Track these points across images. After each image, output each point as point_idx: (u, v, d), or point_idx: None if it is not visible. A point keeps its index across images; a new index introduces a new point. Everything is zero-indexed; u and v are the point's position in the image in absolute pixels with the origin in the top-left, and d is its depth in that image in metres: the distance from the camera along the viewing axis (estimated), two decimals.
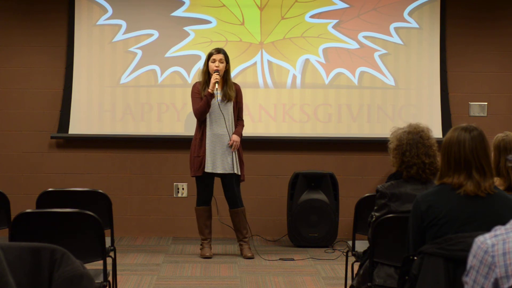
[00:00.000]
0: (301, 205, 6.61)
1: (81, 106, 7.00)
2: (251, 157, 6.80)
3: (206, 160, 5.99)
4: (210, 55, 6.03)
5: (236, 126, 6.10)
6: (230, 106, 6.06)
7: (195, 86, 6.11)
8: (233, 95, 6.05)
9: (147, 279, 5.49)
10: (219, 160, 6.00)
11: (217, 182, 6.17)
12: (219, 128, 6.00)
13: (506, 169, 3.80)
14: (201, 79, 6.08)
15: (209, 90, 5.93)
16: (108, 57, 7.01)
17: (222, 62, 6.00)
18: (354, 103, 7.09)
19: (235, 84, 6.17)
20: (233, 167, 6.01)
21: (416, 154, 3.54)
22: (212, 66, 5.99)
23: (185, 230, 7.09)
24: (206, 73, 6.03)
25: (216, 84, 5.94)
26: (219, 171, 6.01)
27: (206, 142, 5.99)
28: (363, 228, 4.38)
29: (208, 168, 5.99)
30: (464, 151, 2.93)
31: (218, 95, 6.00)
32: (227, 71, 6.05)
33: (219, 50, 6.05)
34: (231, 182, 6.06)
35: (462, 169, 2.92)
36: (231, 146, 6.00)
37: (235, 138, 6.03)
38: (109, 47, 7.02)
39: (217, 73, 5.94)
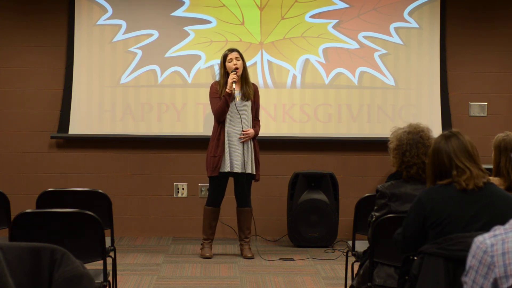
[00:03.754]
0: (301, 205, 6.61)
1: (81, 106, 7.00)
2: None
3: (223, 160, 5.98)
4: (225, 56, 6.03)
5: (254, 126, 6.10)
6: (248, 105, 6.05)
7: (212, 86, 6.10)
8: (252, 93, 6.04)
9: (147, 279, 5.50)
10: (237, 159, 5.98)
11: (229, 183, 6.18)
12: (237, 128, 5.99)
13: (506, 169, 3.80)
14: (219, 80, 6.07)
15: (227, 90, 5.92)
16: (108, 57, 7.01)
17: (239, 60, 6.00)
18: (354, 103, 7.09)
19: (253, 84, 6.17)
20: (249, 166, 6.01)
21: (416, 154, 3.55)
22: (230, 65, 5.97)
23: (185, 230, 7.09)
24: (224, 75, 6.02)
25: (234, 84, 5.93)
26: (237, 170, 5.99)
27: (225, 142, 5.98)
28: (363, 228, 4.38)
29: (226, 168, 5.97)
30: (442, 157, 3.03)
31: (237, 95, 5.99)
32: (244, 69, 6.05)
33: (232, 50, 6.05)
34: (244, 181, 6.06)
35: (444, 173, 2.99)
36: (242, 135, 5.97)
37: (250, 130, 6.01)
38: (109, 47, 7.02)
39: (235, 73, 5.93)
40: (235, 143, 5.99)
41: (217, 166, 5.99)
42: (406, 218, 3.11)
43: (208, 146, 6.09)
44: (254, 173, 6.08)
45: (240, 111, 5.97)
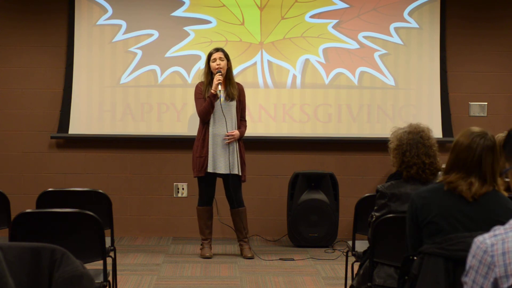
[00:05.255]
0: (301, 205, 6.61)
1: (81, 106, 7.00)
2: (251, 157, 6.80)
3: (208, 161, 5.98)
4: (209, 55, 6.03)
5: (239, 127, 6.10)
6: (233, 106, 6.04)
7: (197, 87, 6.10)
8: (236, 93, 6.04)
9: (147, 279, 5.50)
10: (221, 160, 5.99)
11: (218, 182, 6.17)
12: (222, 129, 5.99)
13: None
14: (203, 80, 6.07)
15: (212, 91, 5.92)
16: (108, 57, 7.01)
17: (223, 60, 5.98)
18: (354, 103, 7.09)
19: (238, 84, 6.16)
20: (235, 167, 6.01)
21: (416, 154, 3.54)
22: (213, 65, 5.97)
23: (185, 230, 7.09)
24: (208, 74, 6.02)
25: (219, 85, 5.92)
26: (221, 171, 6.00)
27: (209, 143, 5.99)
28: (363, 228, 4.38)
29: (210, 168, 5.99)
30: (472, 157, 2.94)
31: (221, 95, 5.98)
32: (229, 69, 6.04)
33: (217, 49, 6.05)
34: (232, 182, 6.06)
35: (464, 171, 2.94)
36: (227, 136, 5.96)
37: (234, 132, 6.01)
38: (109, 47, 7.02)
39: (220, 74, 5.92)
40: (219, 144, 5.99)
41: (203, 166, 5.99)
42: (406, 225, 3.10)
43: (193, 146, 6.10)
44: (240, 174, 6.08)
45: (224, 111, 5.97)
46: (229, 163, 5.99)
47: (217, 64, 5.95)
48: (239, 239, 6.25)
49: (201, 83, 6.08)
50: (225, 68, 5.99)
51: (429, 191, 3.00)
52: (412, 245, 3.03)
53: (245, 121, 6.18)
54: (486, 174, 2.94)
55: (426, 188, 3.05)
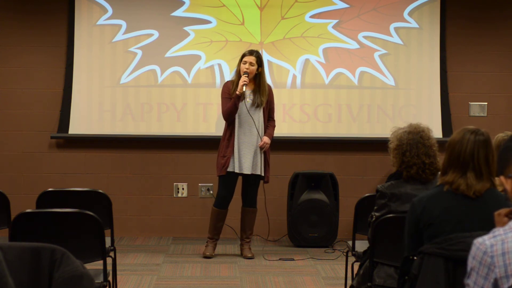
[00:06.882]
0: (301, 205, 6.61)
1: (81, 106, 7.00)
2: None
3: (233, 160, 5.97)
4: (243, 56, 6.02)
5: (267, 127, 6.10)
6: (259, 111, 6.04)
7: (225, 85, 6.10)
8: (265, 100, 6.02)
9: (147, 279, 5.50)
10: (246, 160, 5.98)
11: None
12: (248, 130, 5.99)
13: None
14: (233, 78, 6.09)
15: (237, 92, 5.92)
16: (108, 57, 7.01)
17: (253, 65, 5.96)
18: (354, 103, 7.09)
19: (267, 85, 6.16)
20: (258, 167, 6.01)
21: (416, 154, 3.55)
22: (242, 67, 5.97)
23: (185, 230, 7.09)
24: (238, 74, 6.03)
25: (244, 87, 5.91)
26: (246, 172, 6.00)
27: (234, 143, 5.98)
28: (363, 228, 4.38)
29: (235, 168, 5.97)
30: (464, 151, 2.95)
31: (248, 98, 5.98)
32: (260, 75, 6.02)
33: (252, 52, 6.02)
34: (253, 182, 6.09)
35: (460, 168, 2.94)
36: (261, 148, 6.01)
37: (266, 140, 6.03)
38: (109, 47, 7.02)
39: (246, 75, 5.92)
40: (245, 145, 5.99)
41: (224, 166, 5.99)
42: (404, 230, 3.09)
43: (218, 147, 6.11)
44: (263, 174, 6.08)
45: (252, 115, 5.97)
46: (254, 164, 5.99)
47: (246, 68, 5.94)
48: (241, 238, 6.26)
49: (230, 82, 6.09)
50: (253, 73, 5.97)
51: (430, 196, 3.00)
52: (411, 247, 3.03)
53: (274, 120, 6.19)
54: (481, 168, 2.94)
55: (426, 193, 3.05)
